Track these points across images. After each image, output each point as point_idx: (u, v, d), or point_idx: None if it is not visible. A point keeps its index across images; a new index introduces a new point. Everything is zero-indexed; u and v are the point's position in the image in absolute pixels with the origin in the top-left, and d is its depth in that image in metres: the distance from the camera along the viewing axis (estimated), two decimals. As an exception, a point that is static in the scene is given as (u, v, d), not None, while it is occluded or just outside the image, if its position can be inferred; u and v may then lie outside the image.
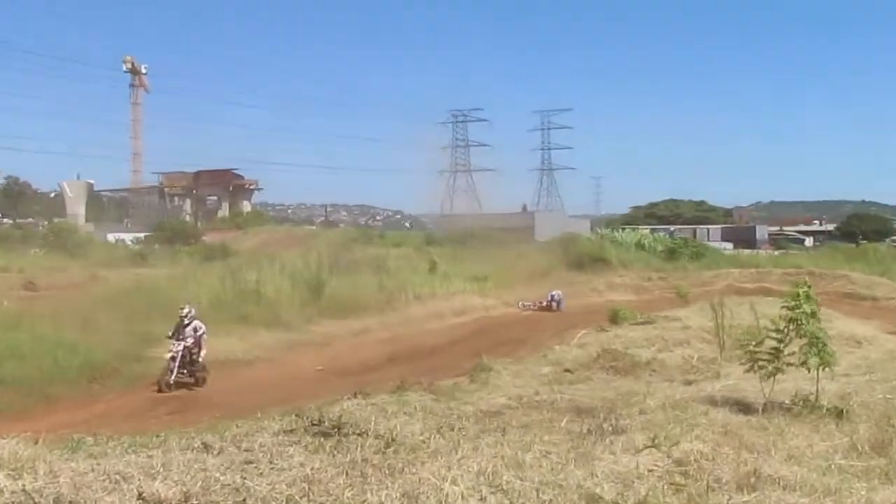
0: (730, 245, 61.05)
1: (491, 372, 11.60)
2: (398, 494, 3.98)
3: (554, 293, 27.29)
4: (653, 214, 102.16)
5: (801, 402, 6.92)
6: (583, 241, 41.13)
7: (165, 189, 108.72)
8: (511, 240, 43.27)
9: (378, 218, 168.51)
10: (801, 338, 7.06)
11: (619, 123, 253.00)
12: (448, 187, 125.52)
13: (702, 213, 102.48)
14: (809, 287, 7.27)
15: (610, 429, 6.15)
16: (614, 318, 19.59)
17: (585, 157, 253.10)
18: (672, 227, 75.75)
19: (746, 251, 50.78)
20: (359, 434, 5.82)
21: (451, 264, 32.01)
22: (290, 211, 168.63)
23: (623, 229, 52.00)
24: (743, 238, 69.34)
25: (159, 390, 13.02)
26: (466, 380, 11.27)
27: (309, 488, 4.08)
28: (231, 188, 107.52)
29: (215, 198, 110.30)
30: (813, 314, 6.99)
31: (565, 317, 24.37)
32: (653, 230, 59.33)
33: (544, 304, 26.94)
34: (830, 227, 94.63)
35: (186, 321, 13.79)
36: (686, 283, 30.55)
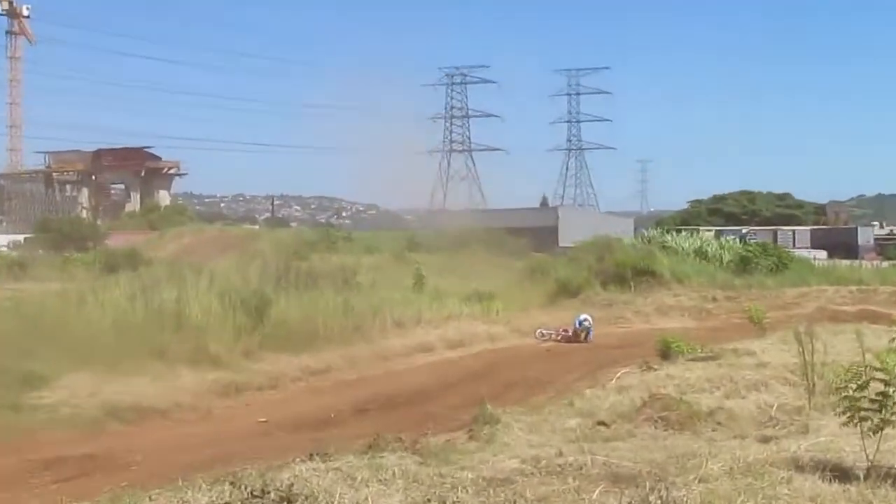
0: (822, 253, 61.35)
1: (498, 425, 11.58)
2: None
3: (581, 318, 27.60)
4: (718, 211, 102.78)
5: (916, 467, 7.04)
6: (623, 247, 41.09)
7: (54, 174, 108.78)
8: (526, 244, 43.35)
9: (344, 214, 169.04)
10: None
11: (674, 89, 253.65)
12: (440, 173, 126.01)
13: (785, 210, 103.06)
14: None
15: (659, 502, 6.20)
16: (666, 353, 19.65)
17: (628, 133, 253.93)
18: (745, 229, 76.04)
19: (845, 262, 50.94)
20: (317, 509, 5.79)
21: (443, 278, 31.96)
22: (223, 204, 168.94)
23: (678, 231, 52.10)
24: (840, 243, 69.73)
25: None
26: (464, 436, 11.30)
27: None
28: (143, 173, 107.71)
29: (122, 186, 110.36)
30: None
31: (599, 350, 24.43)
32: (719, 233, 59.49)
33: (570, 332, 27.25)
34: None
35: None
36: (763, 304, 29.70)
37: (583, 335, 26.94)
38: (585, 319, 27.48)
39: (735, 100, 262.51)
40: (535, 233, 56.37)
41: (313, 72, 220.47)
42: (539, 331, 27.60)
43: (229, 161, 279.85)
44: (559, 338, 27.12)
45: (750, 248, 43.86)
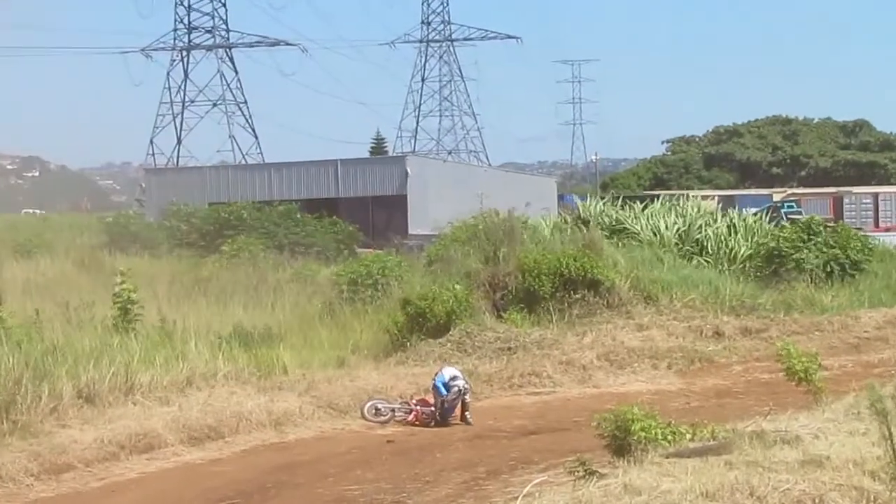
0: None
1: None
2: None
3: (447, 376, 19.62)
4: (726, 160, 73.83)
5: None
6: (538, 234, 29.82)
7: None
8: (344, 232, 35.12)
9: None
10: None
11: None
12: (169, 92, 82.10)
13: (857, 156, 72.23)
14: None
15: None
16: (622, 443, 13.49)
17: (545, 10, 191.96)
18: (778, 194, 59.09)
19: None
20: None
21: (179, 302, 24.50)
22: None
23: (645, 201, 37.84)
24: None
25: None
26: None
27: None
28: None
29: None
30: None
31: (490, 439, 17.67)
32: (726, 201, 46.11)
33: (430, 406, 19.52)
34: None
35: None
36: (815, 343, 22.15)
37: (457, 409, 19.49)
38: (455, 378, 19.43)
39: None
40: (362, 208, 43.21)
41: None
42: (371, 404, 19.72)
43: None
44: (411, 417, 19.54)
45: (788, 232, 31.68)
